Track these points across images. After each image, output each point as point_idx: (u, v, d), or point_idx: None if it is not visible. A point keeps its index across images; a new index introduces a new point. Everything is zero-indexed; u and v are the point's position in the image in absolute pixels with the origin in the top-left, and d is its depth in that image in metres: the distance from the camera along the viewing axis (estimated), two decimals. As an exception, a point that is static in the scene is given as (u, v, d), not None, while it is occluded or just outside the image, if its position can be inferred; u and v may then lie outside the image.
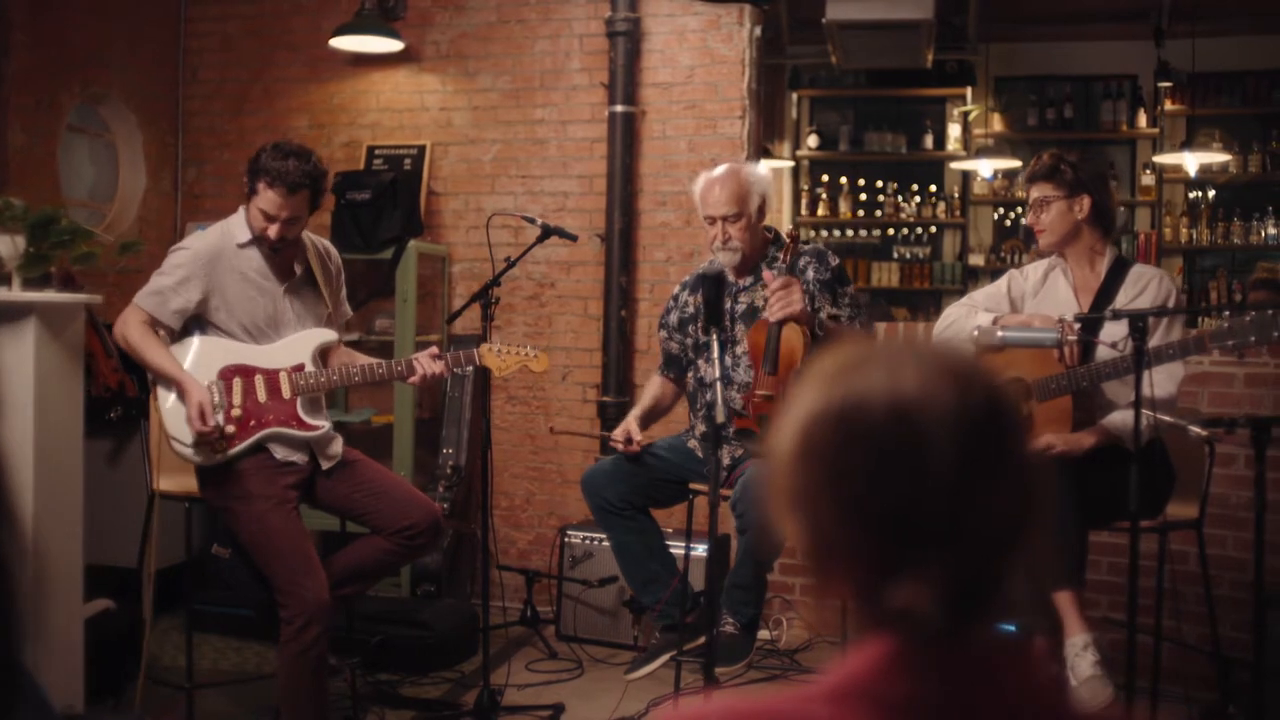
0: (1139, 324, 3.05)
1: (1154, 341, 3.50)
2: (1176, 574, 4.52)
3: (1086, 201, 3.75)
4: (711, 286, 3.48)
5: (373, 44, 5.63)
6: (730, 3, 5.41)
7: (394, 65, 5.87)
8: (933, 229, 8.97)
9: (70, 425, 3.63)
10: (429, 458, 5.61)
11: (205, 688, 4.20)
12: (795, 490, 1.09)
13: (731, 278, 3.97)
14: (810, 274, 3.94)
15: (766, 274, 3.79)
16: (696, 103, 5.52)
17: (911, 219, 8.88)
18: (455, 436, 5.54)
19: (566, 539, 5.24)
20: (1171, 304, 3.66)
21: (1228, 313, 3.28)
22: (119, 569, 4.88)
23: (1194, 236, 8.34)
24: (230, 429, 3.58)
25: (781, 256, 3.84)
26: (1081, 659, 3.19)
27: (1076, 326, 3.44)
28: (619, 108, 5.50)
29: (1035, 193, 3.82)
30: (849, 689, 1.04)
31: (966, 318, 3.87)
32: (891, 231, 9.01)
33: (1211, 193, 8.38)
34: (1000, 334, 3.35)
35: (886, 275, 8.86)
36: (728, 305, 3.92)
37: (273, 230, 3.63)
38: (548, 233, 3.94)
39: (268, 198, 3.60)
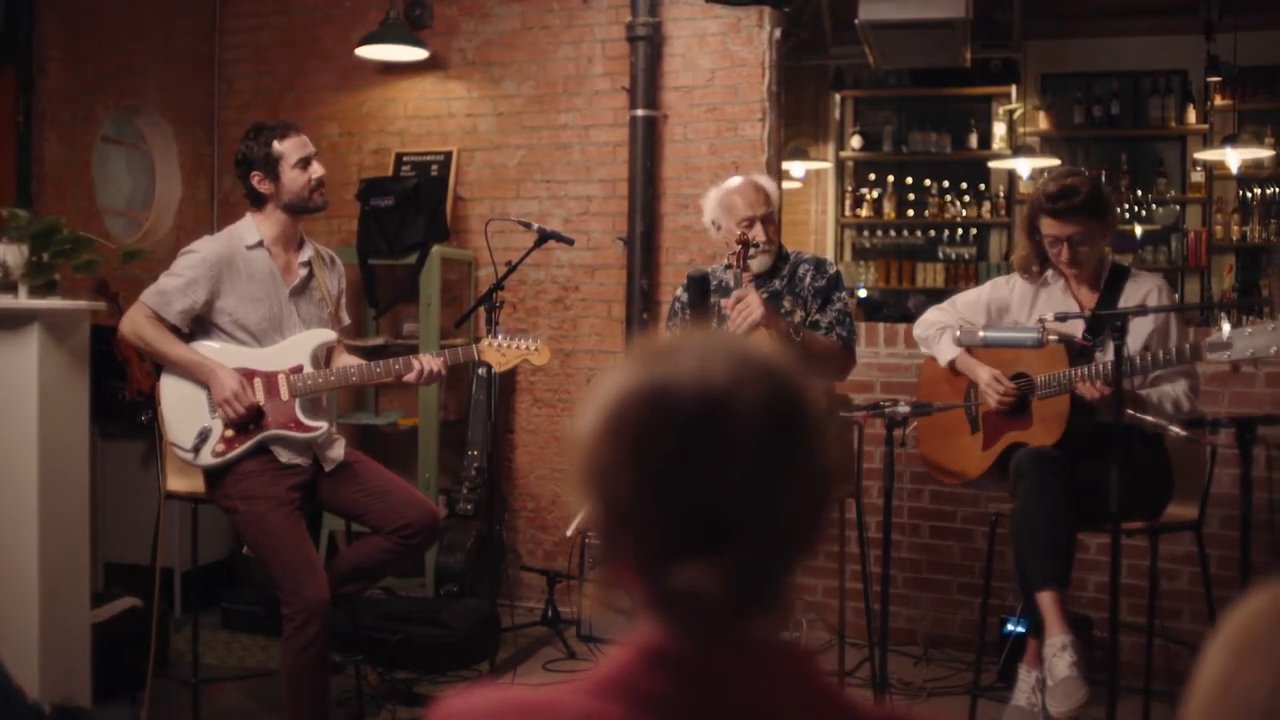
0: (1117, 324, 3.03)
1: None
2: (1199, 577, 4.47)
3: (1113, 223, 3.71)
4: (695, 289, 3.50)
5: (398, 53, 5.72)
6: (749, 5, 5.42)
7: (421, 73, 5.96)
8: (978, 229, 8.88)
9: (76, 430, 3.73)
10: (455, 460, 5.69)
11: (210, 683, 4.30)
12: (596, 466, 1.10)
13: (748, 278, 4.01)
14: (807, 280, 4.06)
15: (723, 301, 3.82)
16: (717, 106, 5.54)
17: (957, 219, 8.81)
18: (480, 439, 5.61)
19: (588, 541, 5.29)
20: (1173, 316, 3.62)
21: (1223, 313, 3.21)
22: (149, 568, 5.03)
23: (1246, 234, 8.18)
24: (229, 432, 3.67)
25: (734, 261, 3.86)
26: (1059, 659, 3.17)
27: (1060, 325, 3.41)
28: (640, 112, 5.54)
29: (1070, 228, 3.57)
30: (612, 682, 1.06)
31: (941, 325, 3.88)
32: (937, 232, 8.93)
33: (1268, 190, 8.20)
34: (982, 334, 3.34)
35: (932, 276, 8.79)
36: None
37: (316, 170, 3.78)
38: (545, 237, 3.99)
39: (294, 143, 3.76)
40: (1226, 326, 3.09)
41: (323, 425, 3.76)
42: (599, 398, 1.13)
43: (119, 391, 5.20)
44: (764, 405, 1.08)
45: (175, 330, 3.71)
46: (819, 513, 1.12)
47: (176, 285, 3.70)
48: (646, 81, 5.53)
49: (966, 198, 8.78)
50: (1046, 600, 3.28)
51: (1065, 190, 3.57)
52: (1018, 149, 8.06)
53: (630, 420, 1.09)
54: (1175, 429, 3.08)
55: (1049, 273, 3.79)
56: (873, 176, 8.99)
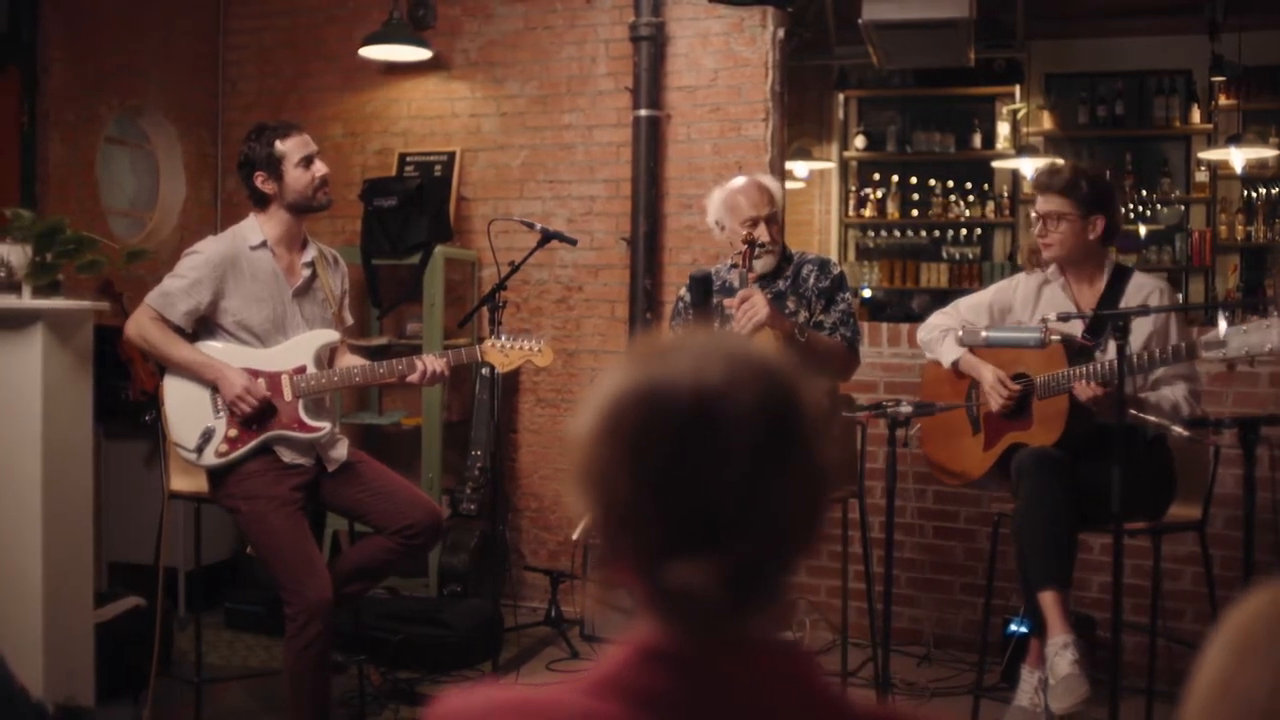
0: (1119, 324, 3.02)
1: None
2: (1202, 577, 4.47)
3: (1100, 224, 3.67)
4: (697, 289, 3.51)
5: (402, 53, 5.72)
6: (753, 5, 5.42)
7: (424, 73, 5.96)
8: (982, 229, 8.87)
9: (79, 429, 3.74)
10: (459, 460, 5.69)
11: (213, 682, 4.31)
12: (594, 466, 1.11)
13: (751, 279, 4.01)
14: (811, 281, 4.06)
15: (728, 301, 3.82)
16: (720, 105, 5.54)
17: (961, 219, 8.80)
18: (483, 439, 5.62)
19: (591, 540, 5.29)
20: (1173, 317, 3.61)
21: (1225, 312, 3.21)
22: (153, 568, 5.03)
23: (1251, 234, 8.17)
24: (233, 432, 3.67)
25: (740, 261, 3.86)
26: (1061, 657, 3.18)
27: (1063, 325, 3.40)
28: (644, 112, 5.54)
29: (1046, 205, 3.66)
30: (610, 681, 1.06)
31: (944, 329, 3.88)
32: (940, 232, 8.92)
33: (1273, 190, 8.18)
34: (985, 334, 3.34)
35: (936, 276, 8.77)
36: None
37: (319, 168, 3.77)
38: (547, 237, 3.99)
39: (296, 143, 3.75)
40: (1223, 325, 3.08)
41: (326, 425, 3.76)
42: (597, 398, 1.13)
43: (122, 391, 5.20)
44: (760, 406, 1.08)
45: (180, 331, 3.71)
46: (816, 513, 1.12)
47: (180, 286, 3.71)
48: (650, 81, 5.53)
49: (970, 198, 8.76)
50: (1048, 600, 3.28)
51: (1052, 167, 3.76)
52: (1022, 149, 8.05)
53: (627, 421, 1.09)
54: (1178, 429, 3.08)
55: (1051, 269, 3.79)
56: (877, 176, 8.98)
